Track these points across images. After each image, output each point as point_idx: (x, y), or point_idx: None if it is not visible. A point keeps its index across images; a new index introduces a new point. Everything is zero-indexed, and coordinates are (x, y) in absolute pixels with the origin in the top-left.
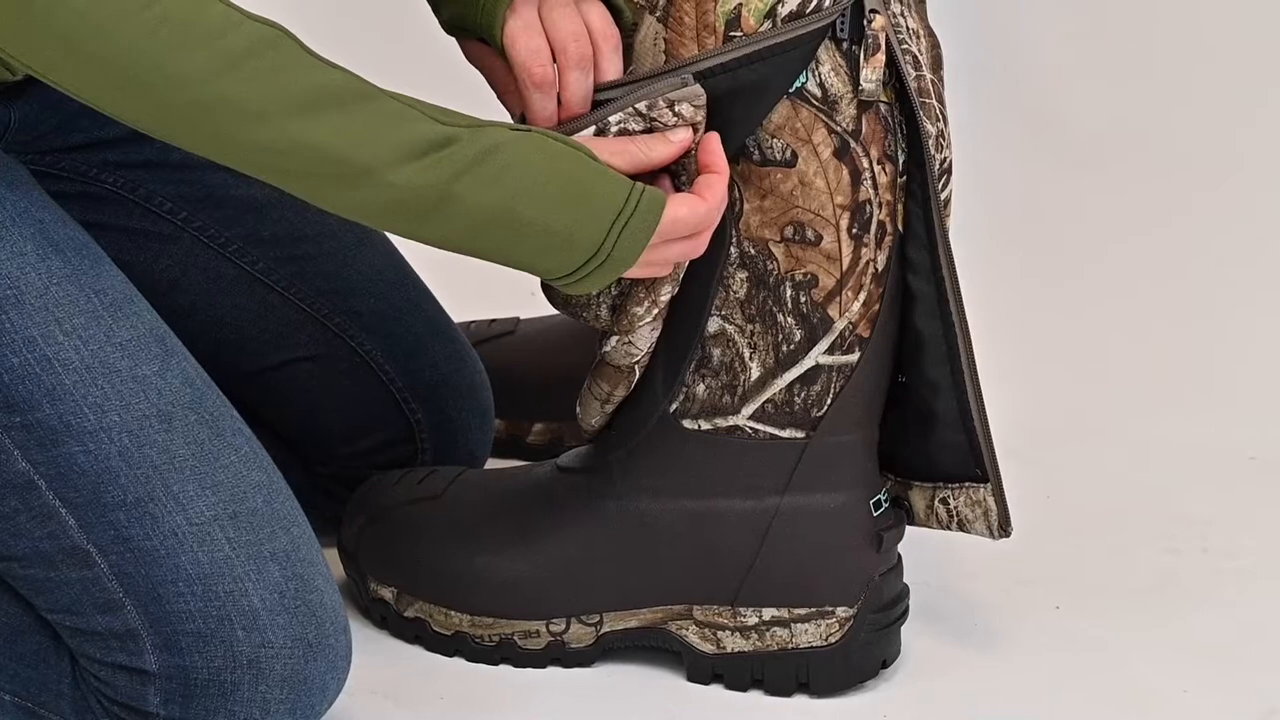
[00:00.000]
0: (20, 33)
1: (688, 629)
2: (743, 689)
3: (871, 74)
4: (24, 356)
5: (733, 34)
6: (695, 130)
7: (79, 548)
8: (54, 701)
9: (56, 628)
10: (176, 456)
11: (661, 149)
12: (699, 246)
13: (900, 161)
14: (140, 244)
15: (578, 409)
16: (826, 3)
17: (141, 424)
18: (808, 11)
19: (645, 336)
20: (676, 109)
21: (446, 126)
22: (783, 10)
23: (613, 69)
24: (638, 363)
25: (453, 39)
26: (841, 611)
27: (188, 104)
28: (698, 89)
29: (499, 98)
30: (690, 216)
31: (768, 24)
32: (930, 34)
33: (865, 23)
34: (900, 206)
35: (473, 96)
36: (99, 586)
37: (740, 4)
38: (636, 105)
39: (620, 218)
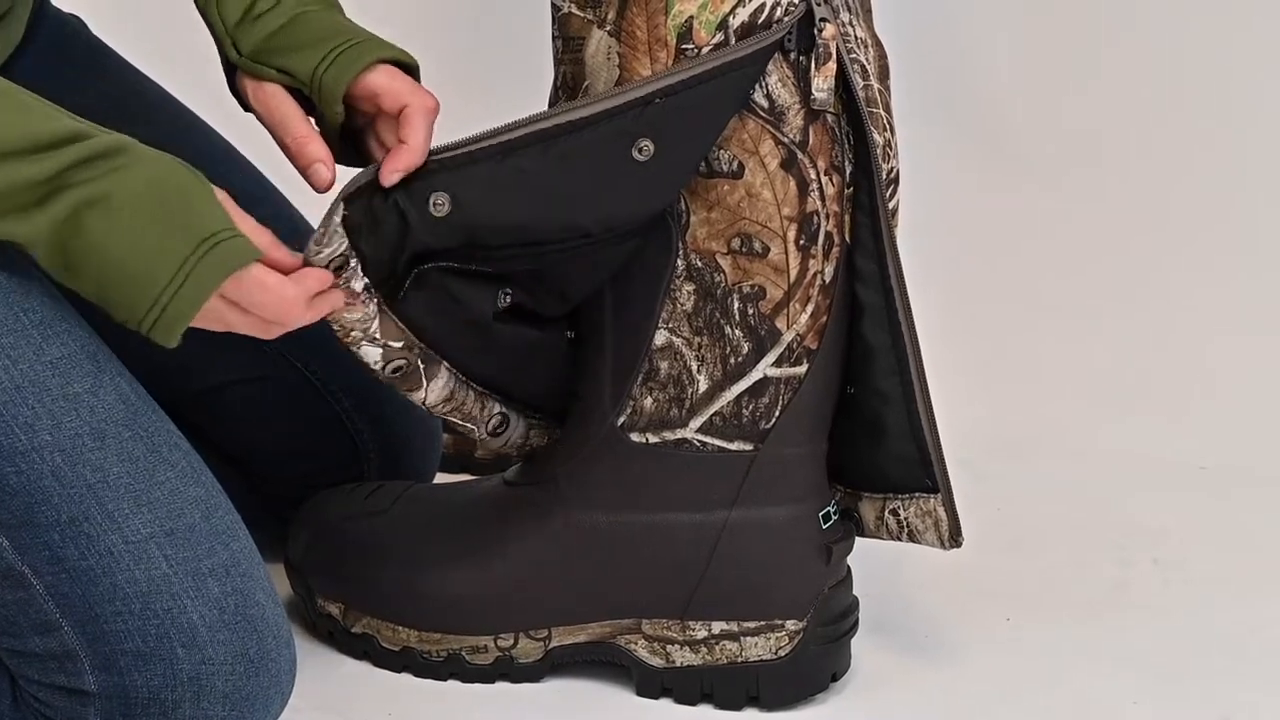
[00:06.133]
0: None
1: (636, 643)
2: (692, 703)
3: (823, 83)
4: None
5: (684, 46)
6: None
7: (13, 569)
8: None
9: None
10: (110, 474)
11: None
12: (265, 333)
13: (848, 172)
14: None
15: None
16: (778, 14)
17: (74, 442)
18: (759, 22)
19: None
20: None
21: (79, 124)
22: (734, 21)
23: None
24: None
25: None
26: (791, 624)
27: None
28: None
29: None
30: (277, 287)
31: (719, 35)
32: (877, 43)
33: (816, 32)
34: (848, 217)
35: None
36: (35, 608)
37: (692, 16)
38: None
39: (213, 238)
